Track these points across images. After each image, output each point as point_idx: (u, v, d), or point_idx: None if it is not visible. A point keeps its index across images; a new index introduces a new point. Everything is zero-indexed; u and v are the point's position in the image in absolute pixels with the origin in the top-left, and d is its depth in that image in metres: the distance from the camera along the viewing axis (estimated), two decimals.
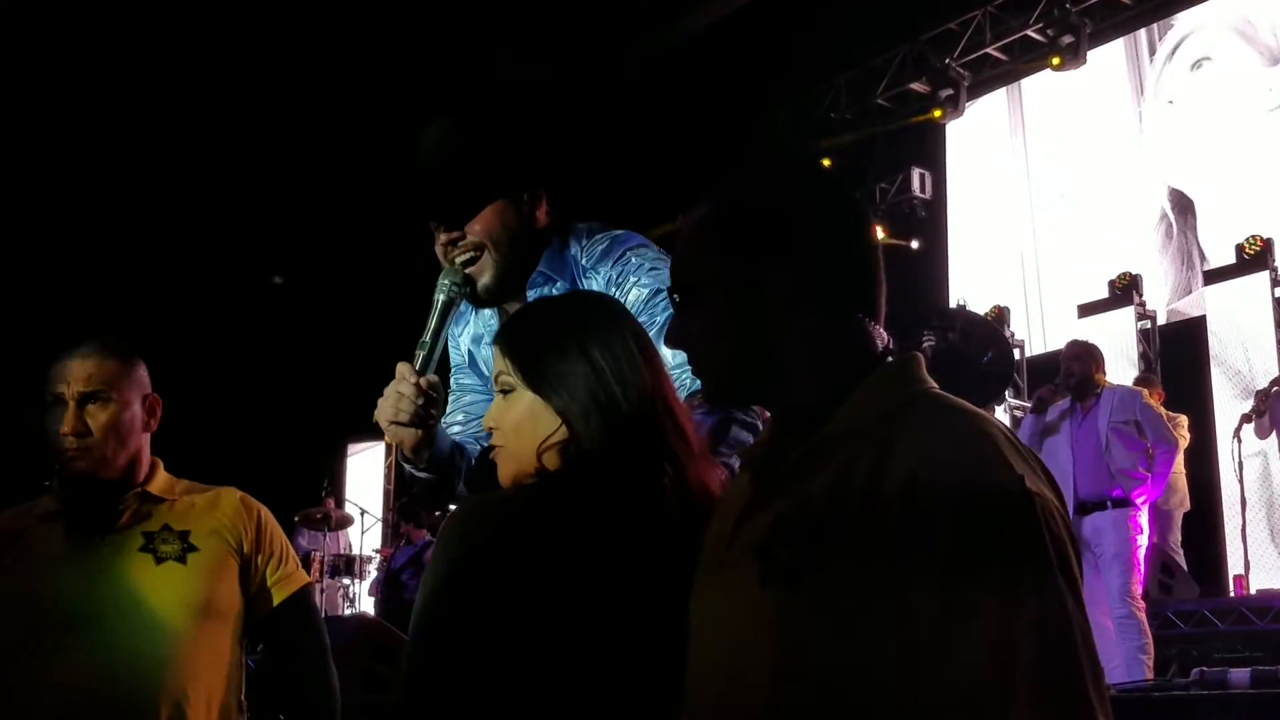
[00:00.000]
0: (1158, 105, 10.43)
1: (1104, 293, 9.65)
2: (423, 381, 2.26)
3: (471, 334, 2.61)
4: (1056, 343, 10.53)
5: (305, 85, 10.96)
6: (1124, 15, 10.68)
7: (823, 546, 1.33)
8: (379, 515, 12.45)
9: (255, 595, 2.53)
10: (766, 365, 1.46)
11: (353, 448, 14.31)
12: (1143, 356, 9.28)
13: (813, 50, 11.26)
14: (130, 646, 2.36)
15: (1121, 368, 8.86)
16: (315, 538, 11.00)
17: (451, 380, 2.60)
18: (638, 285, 2.39)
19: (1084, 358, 6.75)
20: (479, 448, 2.46)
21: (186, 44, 10.20)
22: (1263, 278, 8.53)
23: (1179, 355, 9.12)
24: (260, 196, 12.23)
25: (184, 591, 2.42)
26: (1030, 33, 10.95)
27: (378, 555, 11.64)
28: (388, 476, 12.63)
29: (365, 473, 14.09)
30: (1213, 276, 9.03)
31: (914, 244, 12.06)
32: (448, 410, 2.58)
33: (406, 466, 2.39)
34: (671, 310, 2.24)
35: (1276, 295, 8.47)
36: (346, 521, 11.51)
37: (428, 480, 2.39)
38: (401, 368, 2.27)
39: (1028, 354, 10.50)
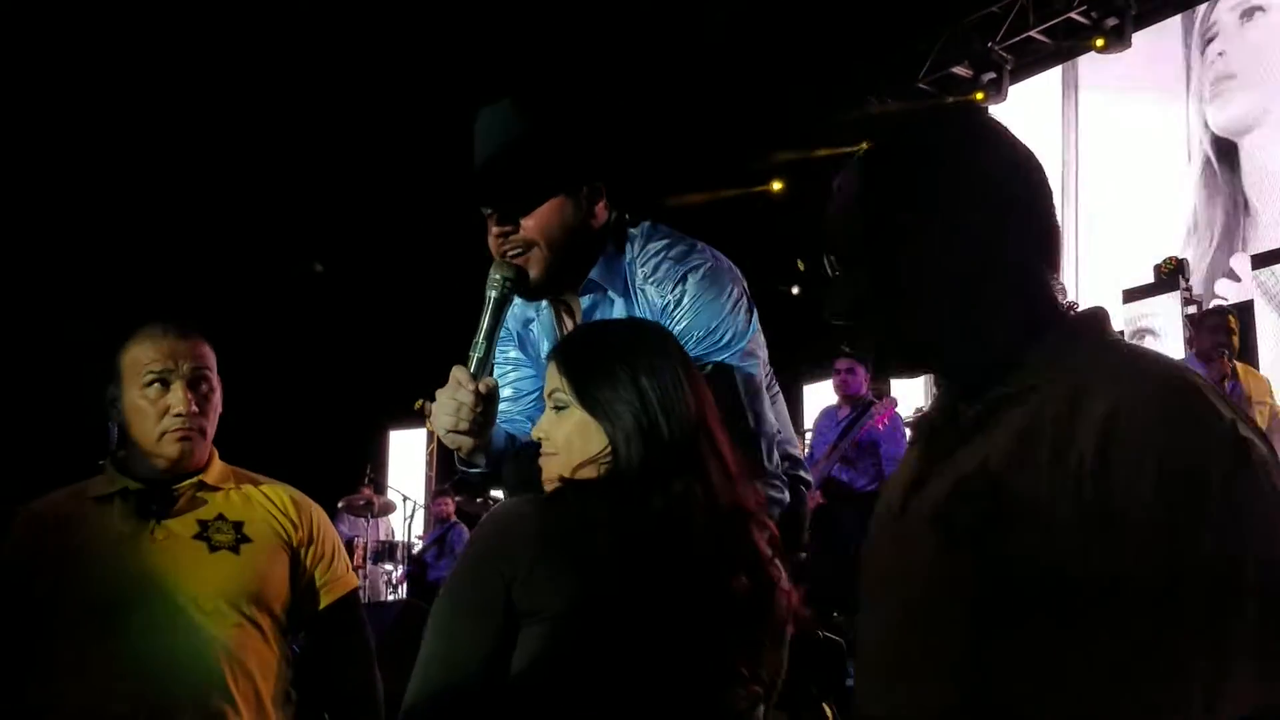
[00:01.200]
0: (1205, 60, 10.23)
1: (1149, 277, 9.54)
2: (481, 387, 2.22)
3: (521, 316, 2.57)
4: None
5: (348, 71, 10.99)
6: None
7: (1009, 503, 1.23)
8: (422, 501, 12.51)
9: (303, 593, 2.54)
10: (933, 327, 1.37)
11: (394, 434, 14.37)
12: (1189, 341, 9.17)
13: (854, 34, 11.18)
14: (181, 631, 2.38)
15: (1168, 352, 8.75)
16: (357, 524, 11.07)
17: (498, 353, 2.55)
18: (693, 319, 2.33)
19: (1236, 330, 6.45)
20: (529, 427, 2.42)
21: (225, 29, 10.25)
22: None
23: None
24: (302, 184, 12.29)
25: (236, 580, 2.44)
26: (1074, 15, 10.84)
27: (420, 542, 11.71)
28: (429, 463, 12.69)
29: (407, 458, 14.14)
30: (1261, 260, 8.92)
31: None
32: (506, 400, 2.55)
33: (462, 466, 2.37)
34: (729, 348, 2.28)
35: None
36: (389, 508, 11.58)
37: (484, 473, 2.38)
38: (458, 373, 2.23)
39: None
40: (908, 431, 8.87)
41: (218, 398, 2.52)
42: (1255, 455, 1.18)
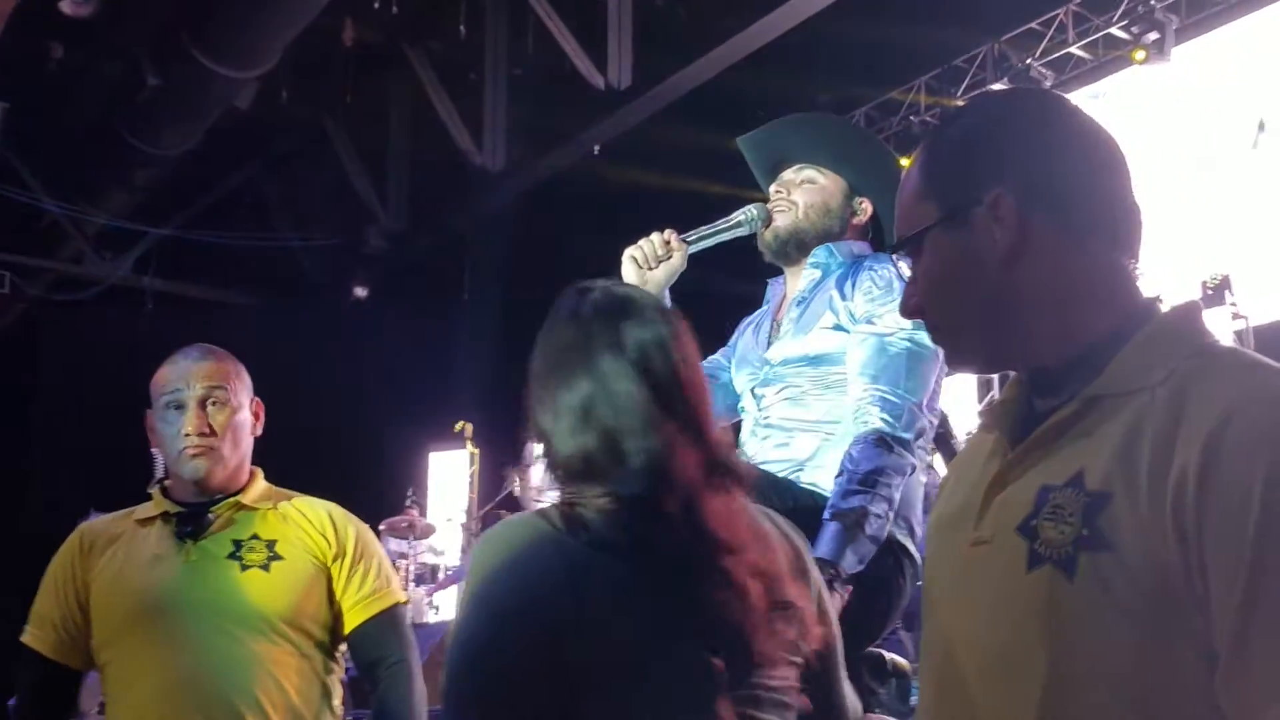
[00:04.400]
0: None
1: (1195, 293, 9.44)
2: (674, 239, 2.57)
3: (748, 323, 2.87)
4: None
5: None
6: (1211, 10, 10.45)
7: (1104, 525, 1.14)
8: (461, 524, 12.54)
9: (341, 610, 2.56)
10: (1004, 318, 1.28)
11: (434, 456, 14.40)
12: None
13: (892, 51, 11.17)
14: (214, 649, 2.42)
15: None
16: (400, 546, 11.10)
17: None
18: (863, 303, 2.56)
19: None
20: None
21: None
22: None
23: (1274, 358, 8.86)
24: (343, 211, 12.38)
25: (266, 599, 2.47)
26: (1114, 30, 10.76)
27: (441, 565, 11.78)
28: (471, 485, 12.72)
29: (449, 482, 14.17)
30: None
31: None
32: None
33: None
34: (878, 326, 2.51)
35: None
36: (429, 531, 11.60)
37: None
38: (668, 230, 2.59)
39: None
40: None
41: (240, 417, 2.56)
42: None
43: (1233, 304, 9.26)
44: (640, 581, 1.51)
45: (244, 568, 2.47)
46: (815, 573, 1.72)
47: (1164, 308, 1.29)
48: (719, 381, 2.82)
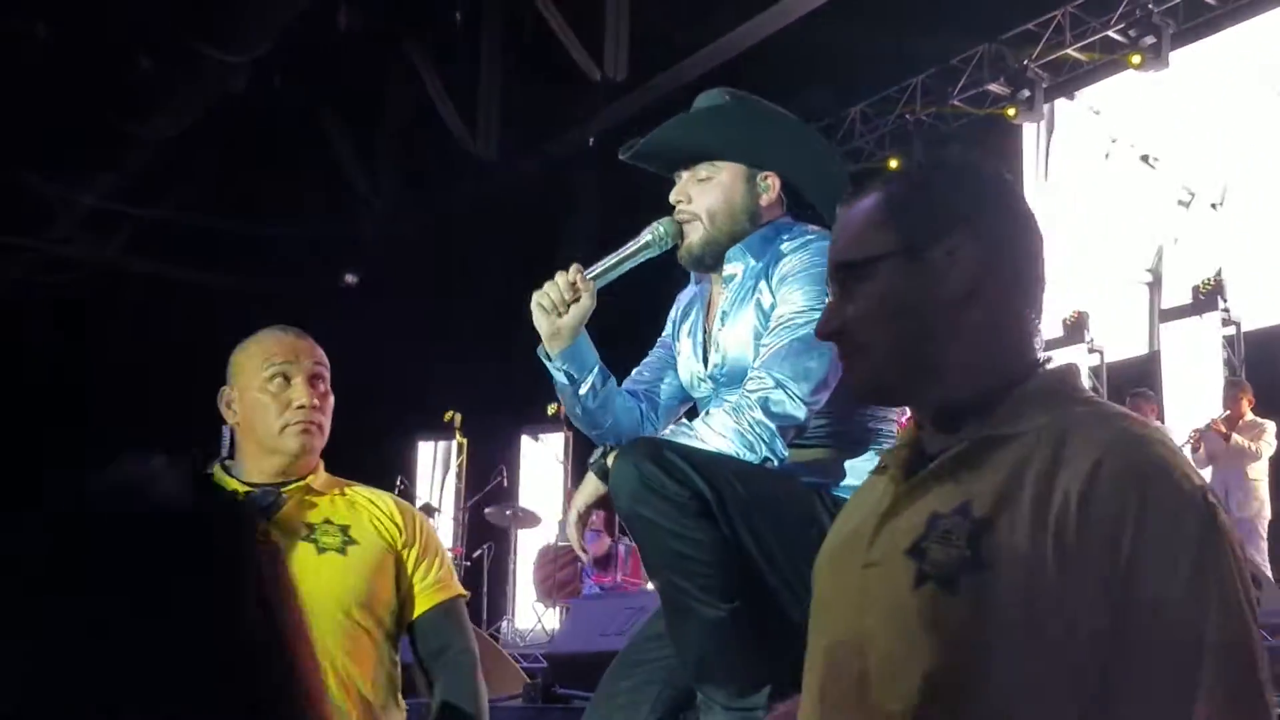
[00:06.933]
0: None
1: (1187, 299, 9.47)
2: (579, 278, 2.39)
3: (682, 313, 2.67)
4: (1136, 349, 10.36)
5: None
6: (1208, 15, 10.45)
7: (986, 548, 1.28)
8: (451, 514, 12.51)
9: (406, 597, 2.54)
10: (931, 357, 1.41)
11: (423, 445, 14.37)
12: (1226, 363, 9.09)
13: (889, 50, 11.14)
14: None
15: (1206, 375, 8.72)
16: None
17: (670, 333, 2.71)
18: (792, 282, 2.36)
19: None
20: (642, 391, 2.62)
21: None
22: None
23: (1264, 363, 8.91)
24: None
25: (342, 583, 2.43)
26: (1111, 34, 10.75)
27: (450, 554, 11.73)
28: (460, 475, 12.71)
29: (436, 469, 14.12)
30: None
31: None
32: (642, 365, 2.70)
33: (543, 358, 2.48)
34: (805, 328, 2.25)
35: None
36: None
37: (563, 389, 2.48)
38: (574, 266, 2.40)
39: (1107, 360, 10.25)
40: None
41: (331, 401, 2.54)
42: (1220, 519, 1.26)
43: (1225, 309, 9.25)
44: None
45: (320, 550, 2.43)
46: None
47: (1050, 366, 1.44)
48: (667, 371, 2.70)
